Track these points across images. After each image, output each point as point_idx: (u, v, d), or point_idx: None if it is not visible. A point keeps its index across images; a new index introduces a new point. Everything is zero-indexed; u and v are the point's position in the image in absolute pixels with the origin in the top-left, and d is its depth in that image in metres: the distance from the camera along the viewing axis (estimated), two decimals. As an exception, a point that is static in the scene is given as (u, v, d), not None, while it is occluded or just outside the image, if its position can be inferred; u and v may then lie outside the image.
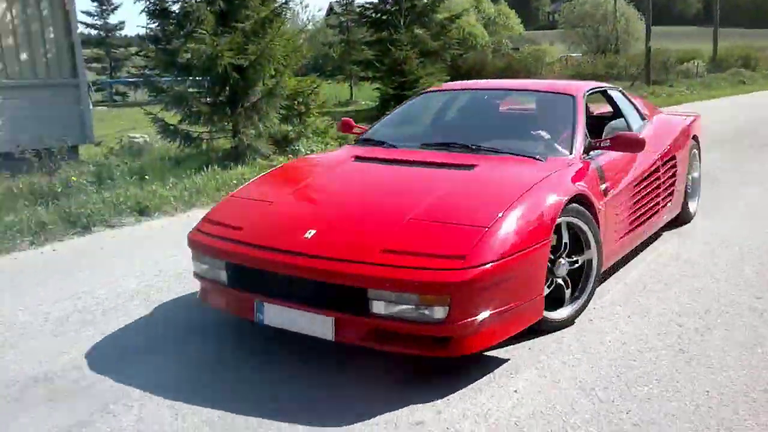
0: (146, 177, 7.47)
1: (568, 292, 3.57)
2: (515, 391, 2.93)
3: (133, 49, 30.46)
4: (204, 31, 8.31)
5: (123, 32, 33.38)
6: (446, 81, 16.84)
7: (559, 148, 4.04)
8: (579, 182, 3.66)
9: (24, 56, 8.69)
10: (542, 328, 3.42)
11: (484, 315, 2.93)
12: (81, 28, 16.63)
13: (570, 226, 3.53)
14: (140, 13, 9.29)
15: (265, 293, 3.22)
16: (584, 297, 3.65)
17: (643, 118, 5.14)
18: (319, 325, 3.05)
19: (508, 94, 5.03)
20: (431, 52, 17.41)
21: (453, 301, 2.84)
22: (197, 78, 9.21)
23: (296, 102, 9.76)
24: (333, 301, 3.01)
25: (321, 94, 11.00)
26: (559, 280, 3.52)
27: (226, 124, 9.13)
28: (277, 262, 3.15)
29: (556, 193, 3.41)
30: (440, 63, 17.60)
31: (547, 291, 3.37)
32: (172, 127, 8.97)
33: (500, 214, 3.12)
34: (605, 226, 3.78)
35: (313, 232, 3.21)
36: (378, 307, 2.92)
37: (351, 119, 4.98)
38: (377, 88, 17.46)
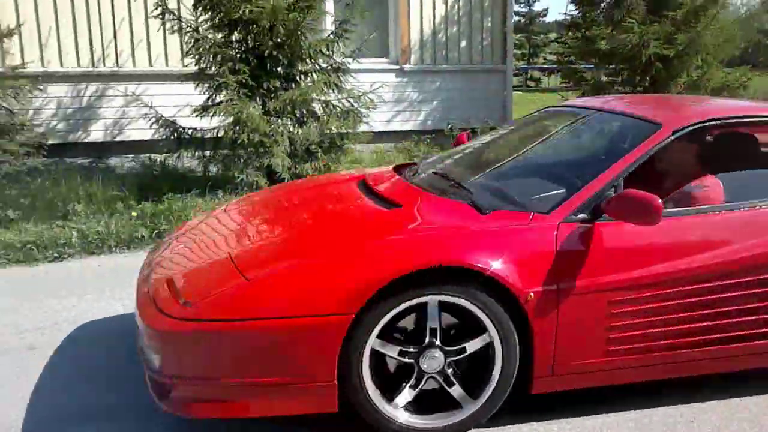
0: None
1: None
2: None
3: (552, 35, 31.47)
4: (633, 20, 8.28)
5: (544, 19, 34.50)
6: None
7: (533, 201, 2.96)
8: (476, 248, 2.62)
9: (463, 44, 9.70)
10: None
11: (206, 379, 2.54)
12: (508, 16, 17.67)
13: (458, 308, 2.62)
14: (570, 1, 9.67)
15: None
16: (480, 401, 2.70)
17: None
18: None
19: (597, 115, 3.73)
20: None
21: (163, 350, 2.58)
22: (611, 66, 9.23)
23: (723, 95, 9.12)
24: None
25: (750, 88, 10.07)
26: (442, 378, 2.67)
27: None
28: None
29: (404, 258, 2.54)
30: None
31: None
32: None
33: (284, 267, 2.64)
34: (549, 324, 2.68)
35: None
36: None
37: (464, 136, 4.36)
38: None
